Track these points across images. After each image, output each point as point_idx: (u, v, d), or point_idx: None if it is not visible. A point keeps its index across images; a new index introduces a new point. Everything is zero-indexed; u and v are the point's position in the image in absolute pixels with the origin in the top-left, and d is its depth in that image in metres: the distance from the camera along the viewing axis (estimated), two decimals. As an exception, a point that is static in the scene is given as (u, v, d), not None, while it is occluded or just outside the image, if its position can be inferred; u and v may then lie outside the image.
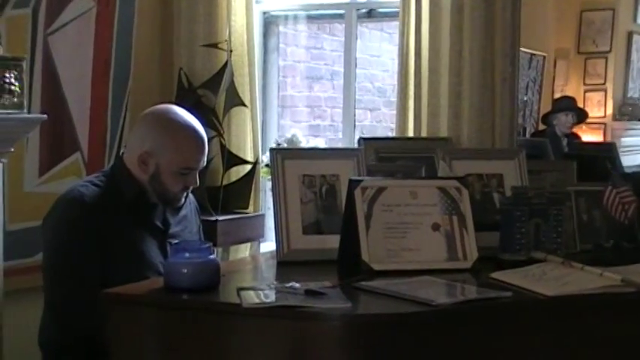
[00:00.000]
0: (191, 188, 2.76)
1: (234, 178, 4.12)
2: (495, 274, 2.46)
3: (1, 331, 3.02)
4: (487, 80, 3.58)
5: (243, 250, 4.15)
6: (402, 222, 2.58)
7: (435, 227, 2.61)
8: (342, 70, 5.78)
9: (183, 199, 2.78)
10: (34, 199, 3.46)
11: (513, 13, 3.59)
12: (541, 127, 7.09)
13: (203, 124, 2.77)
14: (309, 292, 2.15)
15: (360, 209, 2.55)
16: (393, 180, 2.73)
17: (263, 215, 4.23)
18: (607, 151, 4.07)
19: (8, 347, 3.10)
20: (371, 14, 4.44)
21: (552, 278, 2.41)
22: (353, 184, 2.58)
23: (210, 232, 3.58)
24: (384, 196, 2.59)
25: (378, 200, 2.57)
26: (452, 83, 3.61)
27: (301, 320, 2.04)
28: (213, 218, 3.80)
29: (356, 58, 4.38)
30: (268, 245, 4.27)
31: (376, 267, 2.49)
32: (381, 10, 4.42)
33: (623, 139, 7.56)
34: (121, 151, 2.85)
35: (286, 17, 4.75)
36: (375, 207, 2.56)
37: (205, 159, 2.76)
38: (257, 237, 4.19)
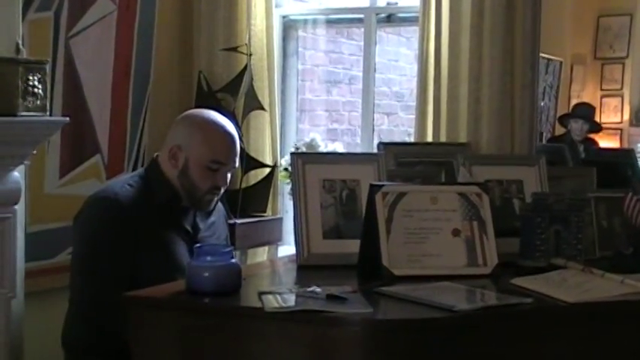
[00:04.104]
0: (222, 191, 2.77)
1: (252, 182, 4.12)
2: (516, 280, 2.46)
3: (23, 332, 3.03)
4: (507, 86, 3.57)
5: (261, 254, 4.15)
6: (423, 227, 2.59)
7: (455, 233, 2.61)
8: (359, 74, 5.79)
9: (213, 204, 2.79)
10: (54, 201, 3.47)
11: (534, 19, 3.58)
12: (557, 132, 7.08)
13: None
14: (331, 297, 2.17)
15: (381, 214, 2.56)
16: (414, 185, 2.74)
17: (281, 219, 4.23)
18: (626, 158, 4.05)
19: (29, 348, 3.11)
20: (390, 19, 4.43)
21: (573, 285, 2.41)
22: (374, 189, 2.59)
23: (229, 235, 3.58)
24: (404, 201, 2.59)
25: (399, 205, 2.58)
26: (471, 88, 3.60)
27: (323, 325, 2.05)
28: (232, 221, 3.81)
29: (375, 63, 4.37)
30: (286, 249, 4.27)
31: (396, 272, 2.50)
32: (400, 14, 4.41)
33: (639, 145, 7.52)
34: (156, 153, 2.86)
35: (305, 21, 4.75)
36: (396, 212, 2.57)
37: (237, 161, 2.78)
38: (275, 240, 4.19)
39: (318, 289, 2.22)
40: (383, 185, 2.62)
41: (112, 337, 2.58)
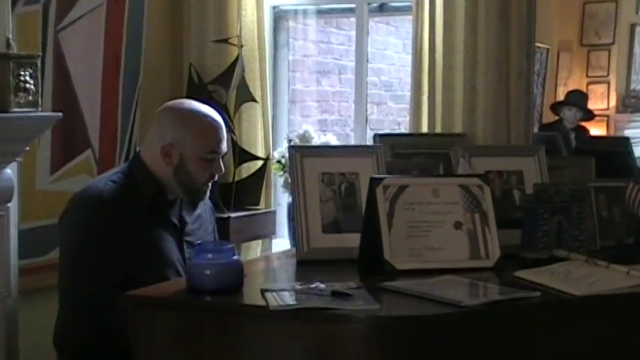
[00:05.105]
0: (216, 177, 2.75)
1: (245, 175, 4.09)
2: (520, 273, 2.44)
3: (17, 330, 2.99)
4: (502, 75, 3.55)
5: (255, 247, 4.12)
6: (424, 220, 2.56)
7: (458, 226, 2.59)
8: (349, 64, 5.76)
9: (208, 193, 2.76)
10: (46, 198, 3.42)
11: (529, 8, 3.55)
12: (545, 120, 7.07)
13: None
14: (336, 294, 2.13)
15: (382, 208, 2.53)
16: (415, 178, 2.71)
17: (274, 212, 4.20)
18: (622, 146, 4.03)
19: (22, 347, 3.07)
20: (382, 9, 4.38)
21: (579, 277, 2.39)
22: (374, 182, 2.56)
23: (223, 229, 3.55)
24: (405, 194, 2.56)
25: (400, 198, 2.55)
26: (467, 78, 3.58)
27: (329, 322, 2.03)
28: (226, 215, 3.77)
29: (368, 53, 4.33)
30: (279, 241, 4.25)
31: (399, 266, 2.47)
32: (392, 4, 4.36)
33: (626, 132, 7.54)
34: (137, 148, 2.83)
35: (296, 12, 4.70)
36: (397, 205, 2.54)
37: (226, 145, 2.75)
38: (269, 234, 4.16)
39: (322, 286, 2.19)
40: (384, 178, 2.58)
41: (104, 336, 2.55)
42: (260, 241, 4.15)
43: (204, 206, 2.90)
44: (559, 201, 2.71)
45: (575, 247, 2.69)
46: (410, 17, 3.83)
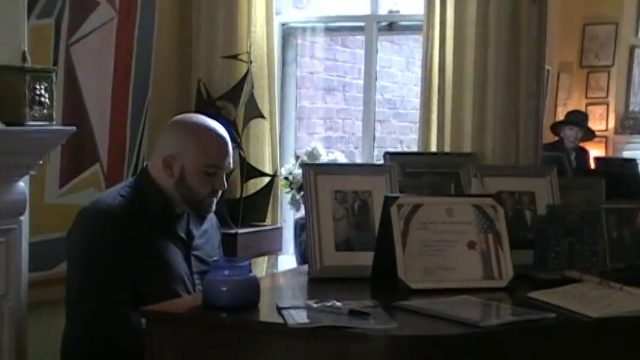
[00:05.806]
0: (220, 193, 2.74)
1: (252, 191, 4.08)
2: (534, 294, 2.43)
3: (25, 344, 2.98)
4: (512, 95, 3.56)
5: (261, 264, 4.11)
6: (438, 240, 2.56)
7: (471, 245, 2.59)
8: (353, 82, 5.77)
9: (213, 207, 2.76)
10: (55, 211, 3.41)
11: (539, 29, 3.58)
12: (546, 140, 7.06)
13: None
14: (353, 312, 2.13)
15: (397, 226, 2.53)
16: (429, 197, 2.71)
17: (281, 228, 4.19)
18: (629, 168, 4.05)
19: (29, 358, 3.06)
20: (392, 27, 4.38)
21: (593, 299, 2.39)
22: (389, 200, 2.56)
23: (230, 245, 3.54)
24: (420, 213, 2.56)
25: (414, 217, 2.55)
26: (476, 98, 3.59)
27: (348, 341, 2.02)
28: (233, 231, 3.77)
29: (376, 72, 4.33)
30: (285, 258, 4.24)
31: (413, 285, 2.47)
32: (402, 23, 4.36)
33: (624, 153, 7.55)
34: (145, 162, 2.83)
35: (304, 29, 4.70)
36: (412, 224, 2.54)
37: (231, 161, 2.75)
38: (275, 250, 4.15)
39: (338, 304, 2.18)
40: (398, 197, 2.58)
41: (111, 350, 2.55)
42: (266, 258, 4.14)
43: (211, 222, 2.90)
44: (571, 222, 2.72)
45: (587, 268, 2.70)
46: (416, 36, 3.84)
